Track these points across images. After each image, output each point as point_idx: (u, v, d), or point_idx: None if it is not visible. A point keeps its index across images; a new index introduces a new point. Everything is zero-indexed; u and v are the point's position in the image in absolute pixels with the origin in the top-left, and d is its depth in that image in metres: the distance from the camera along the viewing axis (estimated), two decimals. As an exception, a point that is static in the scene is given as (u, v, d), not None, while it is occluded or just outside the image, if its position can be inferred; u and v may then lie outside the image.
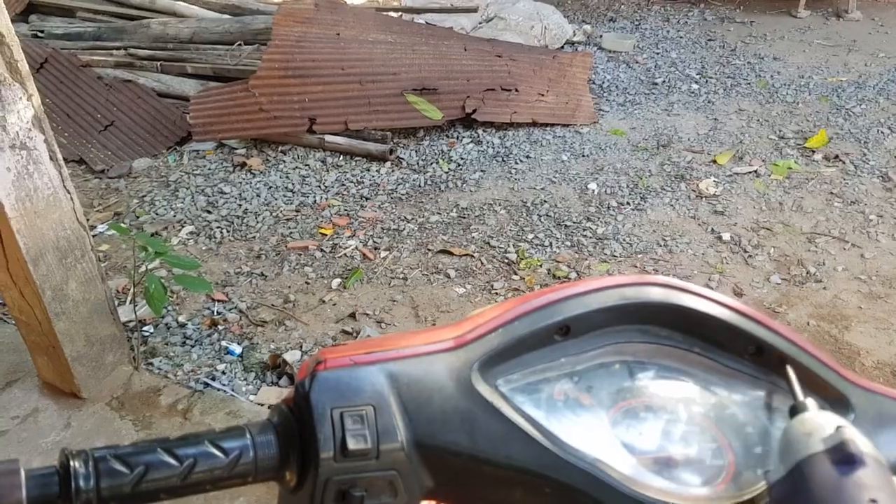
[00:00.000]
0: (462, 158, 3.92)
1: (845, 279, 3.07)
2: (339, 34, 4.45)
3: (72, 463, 0.45)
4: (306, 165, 3.97)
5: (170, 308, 2.89)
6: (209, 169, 3.88)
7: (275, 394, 2.51)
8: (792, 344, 0.60)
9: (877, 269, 3.12)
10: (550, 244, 3.32)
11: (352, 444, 0.49)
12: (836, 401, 0.60)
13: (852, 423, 0.58)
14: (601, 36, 5.12)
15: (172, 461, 0.47)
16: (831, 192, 3.59)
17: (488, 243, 3.34)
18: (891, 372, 2.64)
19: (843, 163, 3.80)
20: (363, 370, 0.52)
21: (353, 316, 2.95)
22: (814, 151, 3.89)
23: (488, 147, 3.99)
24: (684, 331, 0.59)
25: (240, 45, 4.56)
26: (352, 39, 4.43)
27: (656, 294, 0.58)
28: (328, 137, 4.08)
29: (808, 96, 4.42)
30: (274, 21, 4.43)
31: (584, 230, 3.40)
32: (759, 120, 4.20)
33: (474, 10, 5.00)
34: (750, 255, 3.21)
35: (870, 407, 0.61)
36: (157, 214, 3.53)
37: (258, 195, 3.70)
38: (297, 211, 3.59)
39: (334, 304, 3.05)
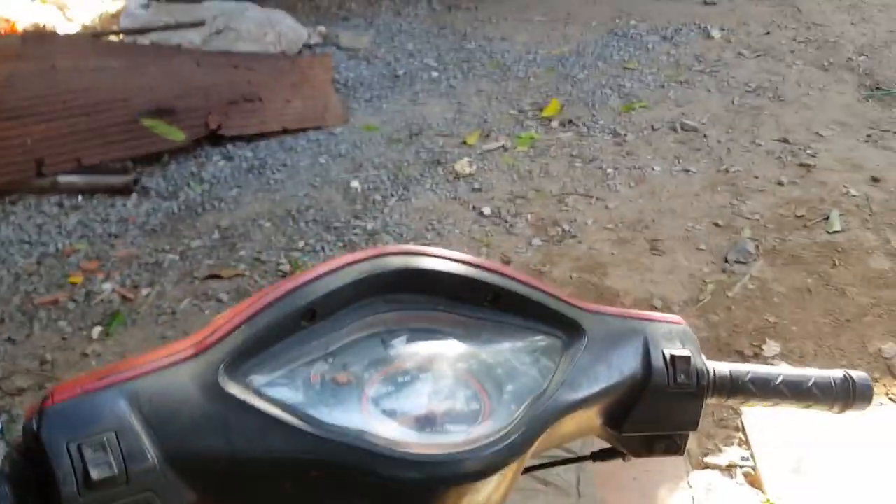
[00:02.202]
0: (215, 177, 3.75)
1: (596, 230, 3.31)
2: (54, 66, 4.08)
3: None
4: (41, 212, 3.61)
5: None
6: (-78, 234, 3.41)
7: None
8: (523, 285, 0.64)
9: (621, 216, 3.40)
10: (322, 248, 3.27)
11: (95, 475, 0.46)
12: (569, 327, 0.65)
13: (585, 344, 0.64)
14: (337, 35, 5.13)
15: None
16: (571, 155, 3.85)
17: (258, 259, 3.22)
18: (648, 306, 2.88)
19: (577, 126, 4.10)
20: (97, 397, 0.49)
21: (122, 363, 2.72)
22: (550, 120, 4.16)
23: (241, 161, 3.85)
24: (427, 292, 0.61)
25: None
26: (71, 70, 4.08)
27: (394, 262, 0.60)
28: (62, 178, 3.74)
29: (538, 69, 4.72)
30: (-26, 60, 3.97)
31: (354, 228, 3.39)
32: (497, 98, 4.41)
33: (201, 24, 4.80)
34: (511, 225, 3.37)
35: (599, 327, 0.66)
36: None
37: (-10, 254, 3.31)
38: (38, 263, 3.26)
39: (99, 356, 2.80)
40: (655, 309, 2.86)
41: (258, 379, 0.54)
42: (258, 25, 4.85)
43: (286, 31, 4.87)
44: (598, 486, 2.11)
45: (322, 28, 5.19)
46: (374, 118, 4.22)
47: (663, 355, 0.68)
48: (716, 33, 5.14)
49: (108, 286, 3.13)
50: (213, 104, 3.98)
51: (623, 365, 0.66)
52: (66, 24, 5.98)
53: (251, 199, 3.60)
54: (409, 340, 0.60)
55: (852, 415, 0.79)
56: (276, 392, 0.54)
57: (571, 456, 0.81)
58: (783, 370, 0.76)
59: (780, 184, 3.59)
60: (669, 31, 5.17)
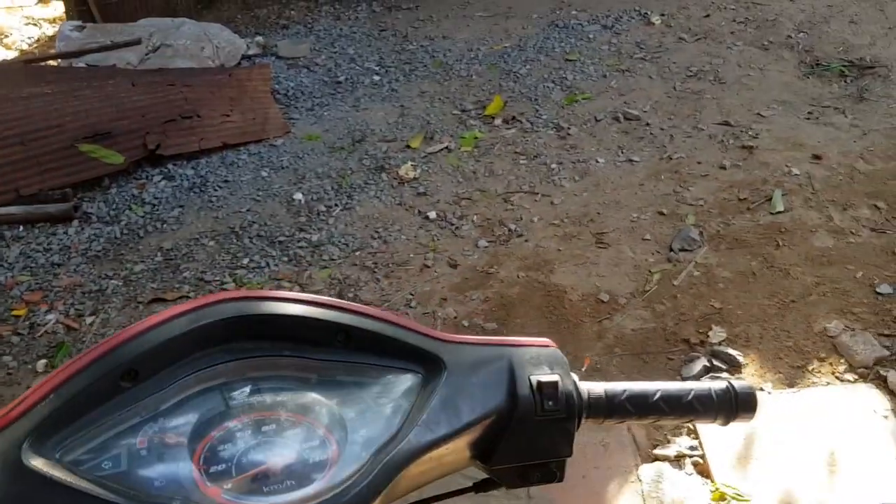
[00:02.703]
0: (156, 198, 3.69)
1: (542, 227, 3.30)
2: (-16, 95, 3.98)
3: None
4: (-20, 246, 3.52)
5: None
6: None
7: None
8: (376, 320, 0.62)
9: (566, 212, 3.39)
10: (267, 264, 3.23)
11: None
12: (428, 362, 0.62)
13: (445, 377, 0.62)
14: (276, 45, 5.06)
15: None
16: (516, 152, 3.84)
17: (202, 279, 3.17)
18: (595, 300, 2.88)
19: (521, 122, 4.08)
20: None
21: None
22: (493, 118, 4.14)
23: (182, 180, 3.79)
24: (270, 338, 0.58)
25: None
26: (2, 99, 3.99)
27: (229, 309, 0.57)
28: (0, 210, 3.65)
29: (479, 67, 4.69)
30: None
31: (299, 241, 3.34)
32: (440, 98, 4.38)
33: (137, 43, 4.72)
34: (457, 227, 3.34)
35: (461, 359, 0.64)
36: None
37: (-73, 291, 3.23)
38: (-22, 298, 3.18)
39: (43, 390, 2.73)
40: (602, 303, 2.86)
41: (72, 450, 0.51)
42: (194, 40, 4.77)
43: (223, 44, 4.80)
44: (547, 488, 2.10)
45: (260, 38, 5.13)
46: (316, 127, 4.17)
47: (529, 382, 0.66)
48: (656, 19, 5.15)
49: (51, 317, 3.07)
50: (151, 124, 3.91)
51: (486, 396, 0.64)
52: (4, 52, 5.86)
53: (193, 218, 3.54)
54: (251, 392, 0.57)
55: (742, 425, 0.78)
56: (92, 464, 0.51)
57: (456, 489, 0.79)
58: (661, 385, 0.75)
59: (723, 168, 3.61)
60: (610, 20, 5.17)
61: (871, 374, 2.44)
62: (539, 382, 0.66)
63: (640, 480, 2.12)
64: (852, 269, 2.91)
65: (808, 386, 2.43)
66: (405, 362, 0.62)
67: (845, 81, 4.29)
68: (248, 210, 3.56)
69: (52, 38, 5.89)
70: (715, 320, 2.73)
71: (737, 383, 0.76)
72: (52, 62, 4.79)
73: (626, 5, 5.36)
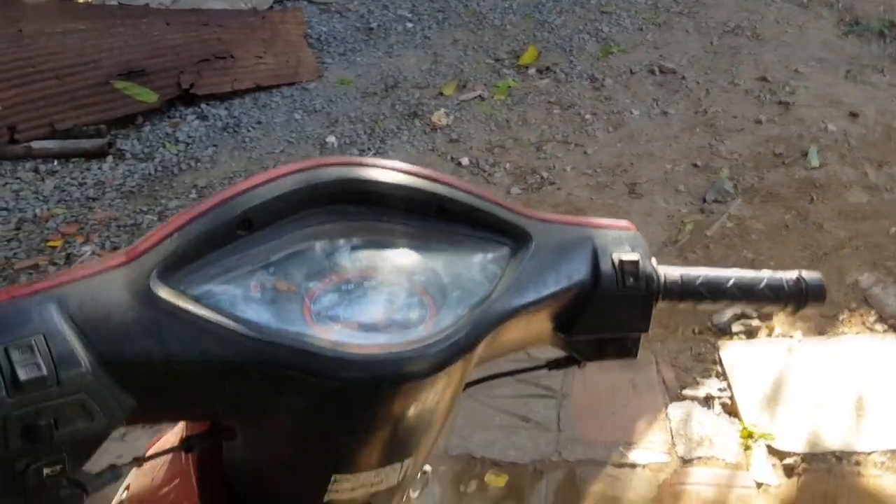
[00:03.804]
0: (190, 137, 3.71)
1: (574, 177, 3.30)
2: (21, 31, 4.01)
3: None
4: (17, 178, 3.57)
5: None
6: None
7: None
8: (469, 194, 0.64)
9: (599, 162, 3.39)
10: (300, 204, 3.25)
11: (23, 375, 0.46)
12: (517, 235, 0.65)
13: (533, 251, 0.64)
14: (309, -10, 5.04)
15: None
16: (549, 102, 3.82)
17: (236, 217, 3.20)
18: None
19: (555, 73, 4.06)
20: (25, 301, 0.49)
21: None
22: (527, 67, 4.12)
23: (216, 120, 3.81)
24: (370, 203, 0.60)
25: None
26: (38, 34, 4.01)
27: (334, 172, 0.59)
28: (36, 144, 3.70)
29: (514, 17, 4.66)
30: (-62, 26, 3.89)
31: (331, 183, 3.36)
32: (473, 47, 4.36)
33: (171, -17, 4.71)
34: (489, 174, 3.35)
35: (547, 235, 0.66)
36: None
37: (-33, 223, 3.29)
38: (17, 229, 3.23)
39: None
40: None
41: (193, 286, 0.54)
42: (228, -18, 4.75)
43: (257, -14, 4.78)
44: (577, 422, 2.13)
45: (294, -17, 5.10)
46: (349, 72, 4.17)
47: (612, 260, 0.68)
48: (693, -26, 5.07)
49: (87, 248, 3.11)
50: (185, 63, 3.92)
51: (571, 270, 0.66)
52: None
53: (227, 157, 3.57)
54: (352, 250, 0.60)
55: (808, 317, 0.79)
56: (212, 299, 0.54)
57: (527, 366, 0.82)
58: (735, 273, 0.76)
59: (759, 122, 3.58)
60: (647, -26, 5.10)
61: (902, 326, 2.45)
62: (621, 260, 0.68)
63: (669, 419, 2.16)
64: (886, 224, 2.90)
65: (839, 335, 2.44)
66: (495, 234, 0.64)
67: (884, 41, 4.22)
68: (281, 152, 3.58)
69: (83, -20, 5.90)
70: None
71: (806, 273, 0.78)
72: (83, 0, 4.79)
73: (663, -40, 5.28)
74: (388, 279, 0.59)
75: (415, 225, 0.62)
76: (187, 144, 3.67)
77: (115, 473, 0.57)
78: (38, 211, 3.35)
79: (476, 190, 0.65)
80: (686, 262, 2.81)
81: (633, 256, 0.69)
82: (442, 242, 0.62)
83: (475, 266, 0.62)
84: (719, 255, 2.83)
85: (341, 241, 0.60)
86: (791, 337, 2.42)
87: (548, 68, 4.10)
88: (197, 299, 0.53)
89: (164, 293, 0.52)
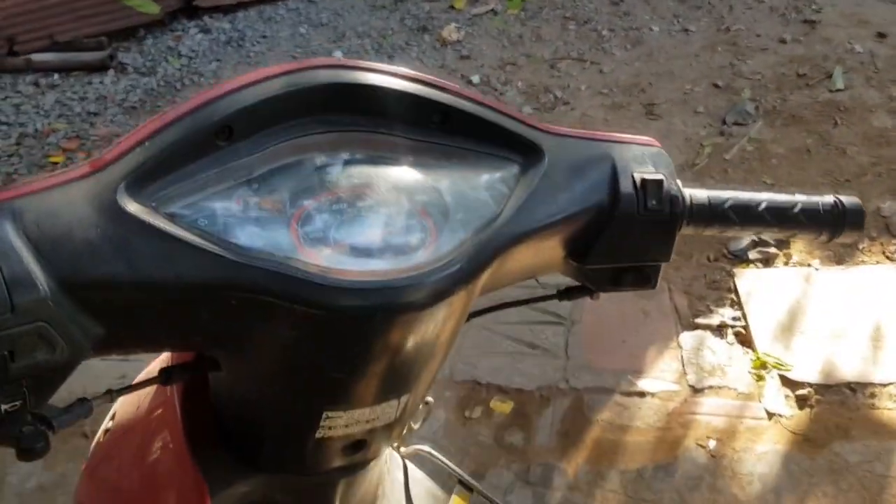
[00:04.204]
0: (193, 51, 3.60)
1: (589, 96, 3.19)
2: (16, -65, 3.85)
3: None
4: (17, 92, 3.50)
5: None
6: None
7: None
8: (476, 103, 0.57)
9: (615, 81, 3.27)
10: (306, 122, 3.17)
11: None
12: (529, 151, 0.58)
13: (546, 168, 0.58)
14: None
15: None
16: (565, 17, 3.68)
17: (240, 134, 3.13)
18: (642, 172, 2.81)
19: (572, -14, 3.89)
20: None
21: None
22: (543, -20, 3.95)
23: (219, 34, 3.69)
24: (365, 112, 0.54)
25: None
26: (33, -61, 3.85)
27: (324, 76, 0.53)
28: (36, 56, 3.61)
29: (530, -73, 4.45)
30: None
31: (338, 101, 3.27)
32: (487, -41, 4.18)
33: None
34: (501, 93, 3.24)
35: (562, 151, 0.59)
36: None
37: (-33, 137, 3.23)
38: (17, 144, 3.18)
39: None
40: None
41: (166, 202, 0.48)
42: None
43: None
44: (586, 349, 2.10)
45: None
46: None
47: (633, 179, 0.61)
48: None
49: (89, 166, 3.07)
50: (187, -27, 3.77)
51: (588, 190, 0.60)
52: None
53: (231, 72, 3.47)
54: (345, 164, 0.53)
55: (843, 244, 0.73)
56: (187, 215, 0.48)
57: (536, 295, 0.76)
58: (767, 196, 0.70)
59: (783, 41, 3.43)
60: None
61: (923, 255, 2.38)
62: (643, 180, 0.61)
63: (681, 347, 2.12)
64: (912, 150, 2.81)
65: (858, 265, 2.38)
66: (504, 150, 0.58)
67: (921, -43, 4.01)
68: (286, 66, 3.47)
69: None
70: (765, 196, 2.65)
71: (844, 198, 0.71)
72: None
73: None
74: (384, 198, 0.53)
75: (416, 138, 0.55)
76: (190, 59, 3.57)
77: (85, 407, 0.52)
78: (38, 125, 3.28)
79: (484, 100, 0.58)
80: (704, 187, 2.73)
81: (657, 176, 0.62)
82: (445, 158, 0.56)
83: (481, 185, 0.56)
84: (738, 180, 2.74)
85: (333, 155, 0.53)
86: (809, 265, 2.36)
87: (564, -19, 3.92)
88: (170, 217, 0.47)
89: (134, 208, 0.46)
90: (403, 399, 0.58)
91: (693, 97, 3.14)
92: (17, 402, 0.45)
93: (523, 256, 0.58)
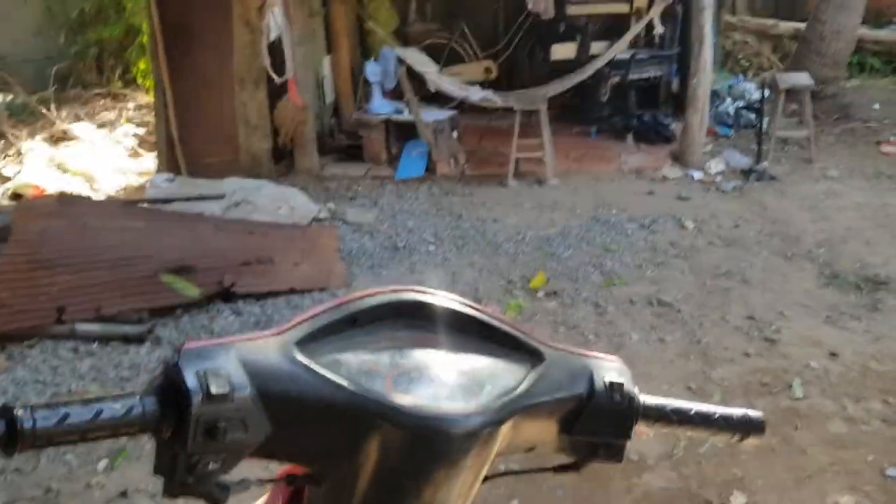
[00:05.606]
0: (224, 330, 4.03)
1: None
2: (85, 224, 4.49)
3: (15, 410, 0.62)
4: (57, 356, 3.85)
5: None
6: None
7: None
8: (502, 322, 0.91)
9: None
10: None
11: (214, 389, 0.69)
12: (534, 355, 0.89)
13: (546, 366, 0.88)
14: (345, 212, 5.61)
15: (85, 407, 0.65)
16: (555, 321, 4.17)
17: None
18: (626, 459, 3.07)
19: (561, 297, 4.45)
20: (217, 347, 0.72)
21: (123, 494, 2.90)
22: (536, 291, 4.52)
23: (249, 316, 4.15)
24: (432, 320, 0.87)
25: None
26: (100, 228, 4.49)
27: (411, 296, 0.87)
28: (80, 326, 4.00)
29: (526, 248, 5.14)
30: (13, 217, 4.39)
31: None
32: (488, 270, 4.80)
33: (221, 197, 5.28)
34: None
35: (556, 358, 0.91)
36: None
37: (5, 392, 3.53)
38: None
39: (102, 487, 2.96)
40: (631, 462, 3.06)
41: (320, 355, 0.79)
42: (273, 200, 5.33)
43: (298, 205, 5.35)
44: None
45: (331, 205, 5.69)
46: (374, 283, 4.57)
47: (603, 381, 0.91)
48: (689, 224, 5.63)
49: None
50: (229, 265, 4.34)
51: (573, 384, 0.89)
52: (93, 194, 6.49)
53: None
54: (419, 350, 0.85)
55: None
56: (331, 364, 0.79)
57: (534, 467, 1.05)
58: (697, 404, 1.02)
59: (747, 355, 3.89)
60: (647, 221, 5.66)
61: (882, 549, 2.58)
62: (611, 382, 0.93)
63: None
64: (863, 452, 3.11)
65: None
66: (517, 352, 0.89)
67: (860, 293, 4.63)
68: (306, 348, 3.87)
69: (138, 188, 6.55)
70: (736, 486, 2.91)
71: (751, 412, 1.03)
72: (144, 205, 5.35)
73: (663, 210, 5.86)
74: (442, 371, 0.83)
75: (461, 338, 0.87)
76: (220, 336, 3.97)
77: (244, 485, 0.78)
78: (72, 387, 3.58)
79: (506, 319, 0.92)
80: (680, 475, 2.99)
81: (620, 380, 0.94)
82: (480, 352, 0.87)
83: (504, 370, 0.86)
84: (711, 472, 3.01)
85: (412, 343, 0.85)
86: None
87: (555, 293, 4.49)
88: (322, 364, 0.77)
89: (300, 356, 0.77)
90: None
91: (669, 395, 3.50)
92: (218, 464, 0.71)
93: (530, 425, 0.90)
